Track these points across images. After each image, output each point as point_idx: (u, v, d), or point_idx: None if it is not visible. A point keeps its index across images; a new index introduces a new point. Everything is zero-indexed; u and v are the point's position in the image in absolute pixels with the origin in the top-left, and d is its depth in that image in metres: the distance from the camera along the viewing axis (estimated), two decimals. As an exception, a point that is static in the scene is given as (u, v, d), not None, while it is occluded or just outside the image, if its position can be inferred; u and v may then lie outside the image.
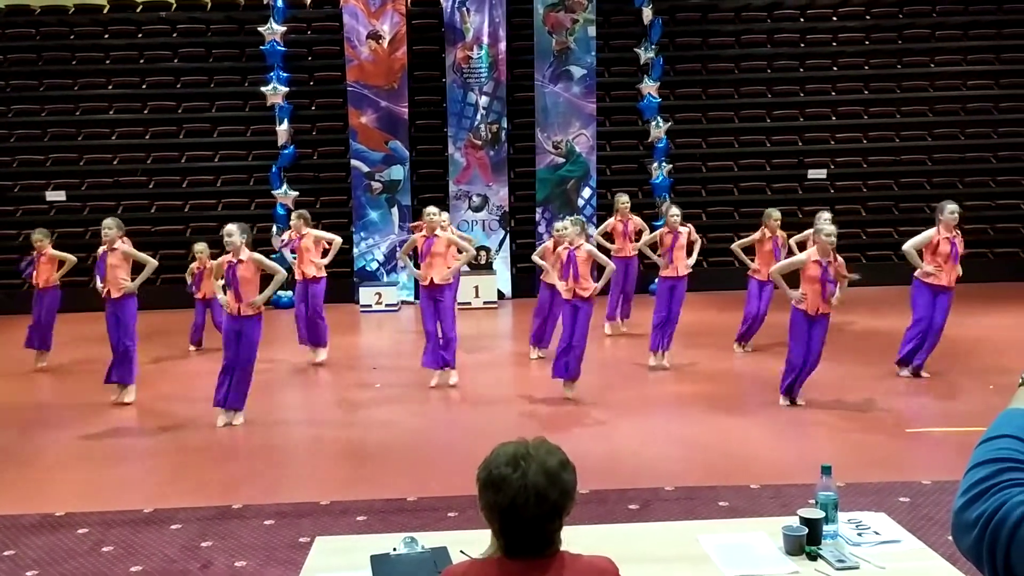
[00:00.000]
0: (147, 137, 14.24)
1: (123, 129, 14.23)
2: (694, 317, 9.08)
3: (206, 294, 9.95)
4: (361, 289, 13.21)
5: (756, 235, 9.55)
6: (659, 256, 8.94)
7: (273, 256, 13.19)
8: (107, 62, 14.30)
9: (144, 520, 5.21)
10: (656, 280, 9.17)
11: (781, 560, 2.71)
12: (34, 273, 9.55)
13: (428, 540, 2.85)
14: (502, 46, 13.72)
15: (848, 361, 8.73)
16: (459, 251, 8.72)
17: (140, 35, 14.36)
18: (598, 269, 7.78)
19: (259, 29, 13.42)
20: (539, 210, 14.00)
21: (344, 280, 13.79)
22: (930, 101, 14.46)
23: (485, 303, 12.91)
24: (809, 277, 7.06)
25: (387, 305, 12.98)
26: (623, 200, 10.34)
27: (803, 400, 7.36)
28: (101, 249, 7.83)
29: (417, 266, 8.34)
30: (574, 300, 7.56)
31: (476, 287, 12.87)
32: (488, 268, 13.68)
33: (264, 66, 13.60)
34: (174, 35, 14.36)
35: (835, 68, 14.50)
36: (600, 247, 9.23)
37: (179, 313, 10.61)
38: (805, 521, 2.75)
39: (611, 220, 10.39)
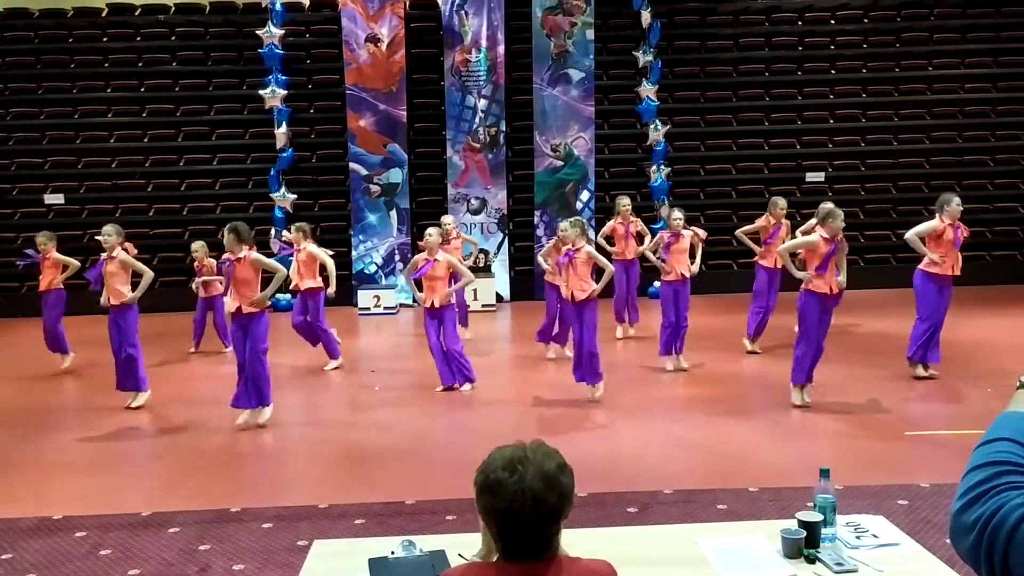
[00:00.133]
0: (145, 140, 14.24)
1: (121, 132, 14.24)
2: (693, 320, 9.07)
3: (206, 293, 9.99)
4: (359, 292, 13.20)
5: (761, 221, 9.54)
6: (659, 260, 8.91)
7: (273, 259, 13.22)
8: (106, 65, 14.31)
9: (142, 523, 5.20)
10: (657, 284, 9.16)
11: (779, 563, 2.71)
12: (39, 275, 9.47)
13: (426, 543, 2.84)
14: (500, 49, 13.74)
15: (847, 364, 8.73)
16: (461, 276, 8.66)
17: (138, 38, 14.37)
18: (598, 271, 7.78)
19: (257, 32, 13.43)
20: (537, 213, 14.01)
21: (342, 283, 13.77)
22: (928, 104, 14.49)
23: (484, 306, 12.91)
24: (819, 255, 7.07)
25: (385, 308, 12.98)
26: (624, 203, 10.32)
27: (808, 398, 7.35)
28: (104, 256, 7.84)
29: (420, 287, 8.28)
30: (576, 302, 7.58)
31: (475, 290, 12.85)
32: (487, 271, 13.67)
33: (262, 69, 13.61)
34: (172, 38, 14.38)
35: (833, 71, 14.52)
36: (600, 249, 9.22)
37: (178, 316, 10.61)
38: (803, 524, 2.74)
39: (612, 223, 10.38)
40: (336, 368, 9.36)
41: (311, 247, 9.31)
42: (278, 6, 13.51)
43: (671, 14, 14.24)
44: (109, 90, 14.28)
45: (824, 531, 2.77)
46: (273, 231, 13.43)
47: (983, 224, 13.87)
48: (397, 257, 13.82)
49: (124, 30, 14.34)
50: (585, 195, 13.98)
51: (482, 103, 13.77)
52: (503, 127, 13.91)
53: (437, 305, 8.07)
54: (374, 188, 13.84)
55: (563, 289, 7.74)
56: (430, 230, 8.22)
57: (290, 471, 6.40)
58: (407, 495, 5.54)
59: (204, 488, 5.85)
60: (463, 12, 13.68)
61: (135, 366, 7.87)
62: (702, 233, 9.10)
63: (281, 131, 13.58)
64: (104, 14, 14.31)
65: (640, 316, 10.68)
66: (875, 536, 2.88)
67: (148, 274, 7.83)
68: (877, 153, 14.44)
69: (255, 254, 7.10)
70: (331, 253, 9.66)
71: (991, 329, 10.22)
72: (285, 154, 13.69)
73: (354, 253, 13.90)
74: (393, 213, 13.86)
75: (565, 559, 1.97)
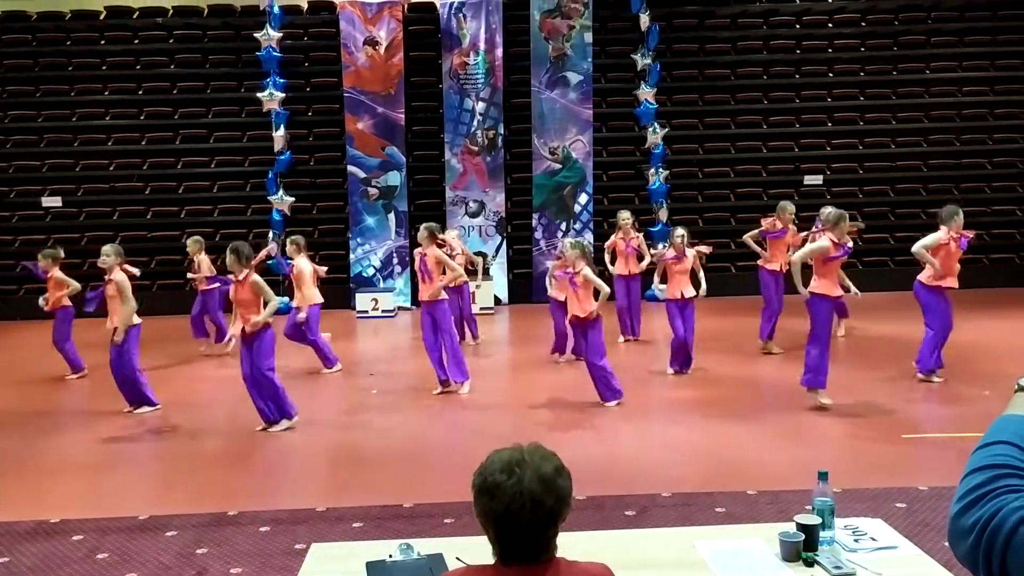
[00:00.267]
0: (143, 143, 14.24)
1: (119, 135, 14.25)
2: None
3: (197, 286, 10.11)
4: (357, 295, 13.20)
5: (767, 224, 9.52)
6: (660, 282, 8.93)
7: (270, 262, 13.23)
8: (103, 68, 14.31)
9: (139, 527, 5.19)
10: (653, 287, 9.15)
11: (778, 566, 2.70)
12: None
13: (424, 547, 2.84)
14: (499, 52, 13.75)
15: (845, 366, 8.73)
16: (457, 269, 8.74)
17: (136, 41, 14.37)
18: (595, 292, 7.79)
19: (255, 35, 13.43)
20: (535, 216, 14.01)
21: (340, 286, 13.79)
22: (926, 107, 14.51)
23: (482, 309, 12.89)
24: (828, 259, 7.10)
25: (383, 311, 12.98)
26: (624, 216, 10.24)
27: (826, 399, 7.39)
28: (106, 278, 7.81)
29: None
30: (578, 322, 7.60)
31: (473, 293, 12.84)
32: (485, 274, 13.67)
33: (260, 72, 13.61)
34: (170, 41, 14.38)
35: (831, 74, 14.54)
36: (602, 264, 9.28)
37: (177, 319, 10.60)
38: (802, 527, 2.74)
39: (613, 238, 10.37)
40: (336, 371, 9.36)
41: (300, 262, 9.29)
42: (276, 9, 13.51)
43: (669, 17, 14.25)
44: (107, 93, 14.28)
45: (822, 534, 2.77)
46: (271, 234, 13.42)
47: (981, 227, 13.85)
48: (395, 260, 13.82)
49: (122, 33, 14.34)
50: (583, 198, 13.99)
51: (480, 106, 13.78)
52: (501, 130, 13.92)
53: (425, 298, 8.13)
54: (372, 191, 13.84)
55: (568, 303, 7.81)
56: (422, 225, 8.32)
57: (288, 474, 6.39)
58: (405, 498, 5.53)
59: (201, 491, 5.84)
60: (461, 15, 13.69)
61: (140, 390, 7.84)
62: (705, 249, 8.92)
63: (279, 134, 13.58)
64: (102, 17, 14.32)
65: (643, 320, 10.70)
66: (873, 539, 2.88)
67: (130, 306, 7.62)
68: (875, 156, 14.46)
69: (255, 276, 6.98)
70: (324, 270, 9.64)
71: (989, 332, 10.22)
72: (283, 157, 13.68)
73: (352, 256, 13.90)
74: (391, 216, 13.87)
75: (563, 562, 1.97)
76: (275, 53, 13.48)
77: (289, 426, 7.23)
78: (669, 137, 13.95)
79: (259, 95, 13.47)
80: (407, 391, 8.45)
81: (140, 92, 14.31)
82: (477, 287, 11.06)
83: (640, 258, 10.24)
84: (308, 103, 14.33)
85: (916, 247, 7.95)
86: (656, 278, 9.20)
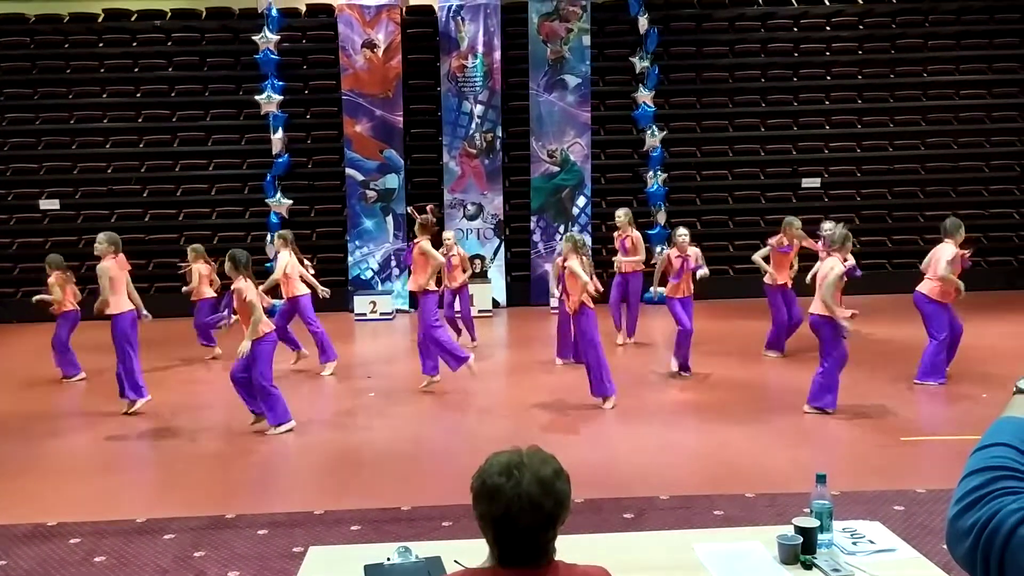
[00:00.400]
0: (141, 145, 14.23)
1: (117, 138, 14.24)
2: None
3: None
4: (356, 298, 13.20)
5: (773, 241, 9.50)
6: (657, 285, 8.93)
7: (267, 265, 13.22)
8: (102, 71, 14.30)
9: (137, 530, 5.18)
10: (656, 290, 9.12)
11: (776, 569, 2.70)
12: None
13: (422, 550, 2.84)
14: (497, 55, 13.75)
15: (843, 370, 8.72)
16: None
17: (135, 44, 14.36)
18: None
19: (253, 38, 13.43)
20: (534, 219, 14.02)
21: (339, 289, 13.78)
22: (923, 111, 14.53)
23: (480, 311, 12.89)
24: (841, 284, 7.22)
25: (382, 314, 12.97)
26: (619, 215, 10.34)
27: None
28: None
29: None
30: (571, 314, 7.67)
31: (471, 295, 12.83)
32: (483, 276, 13.68)
33: (259, 75, 13.61)
34: (169, 44, 14.37)
35: (829, 77, 14.56)
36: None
37: (175, 322, 10.59)
38: (800, 530, 2.74)
39: (616, 235, 10.48)
40: (330, 372, 9.38)
41: (282, 256, 9.32)
42: (274, 12, 13.51)
43: (667, 20, 14.26)
44: (105, 95, 14.27)
45: (820, 537, 2.77)
46: (269, 236, 13.42)
47: (979, 230, 13.88)
48: (393, 263, 13.82)
49: (120, 35, 14.33)
50: (581, 201, 13.99)
51: (478, 109, 13.79)
52: (499, 133, 13.92)
53: (412, 289, 8.31)
54: (370, 194, 13.83)
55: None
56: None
57: (285, 477, 6.39)
58: (403, 501, 5.53)
59: (199, 494, 5.83)
60: (459, 18, 13.70)
61: (129, 376, 7.89)
62: (703, 271, 8.88)
63: (277, 137, 13.58)
64: (100, 19, 14.30)
65: (641, 322, 10.70)
66: (871, 542, 2.88)
67: (103, 296, 7.73)
68: (872, 159, 14.47)
69: (248, 294, 6.94)
70: (309, 264, 9.77)
71: (987, 335, 10.22)
72: (281, 160, 13.68)
73: (350, 259, 13.89)
74: (389, 219, 13.86)
75: (562, 565, 1.97)
76: (273, 56, 13.48)
77: (288, 429, 7.22)
78: (667, 140, 13.95)
79: (257, 98, 13.47)
80: (405, 394, 8.45)
81: (138, 95, 14.30)
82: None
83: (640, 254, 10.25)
84: (306, 106, 14.32)
85: (942, 271, 7.89)
86: (655, 279, 9.20)
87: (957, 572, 2.59)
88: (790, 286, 9.58)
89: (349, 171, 13.82)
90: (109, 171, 14.18)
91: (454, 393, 8.44)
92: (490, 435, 6.85)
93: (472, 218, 13.93)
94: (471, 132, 13.83)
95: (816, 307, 7.20)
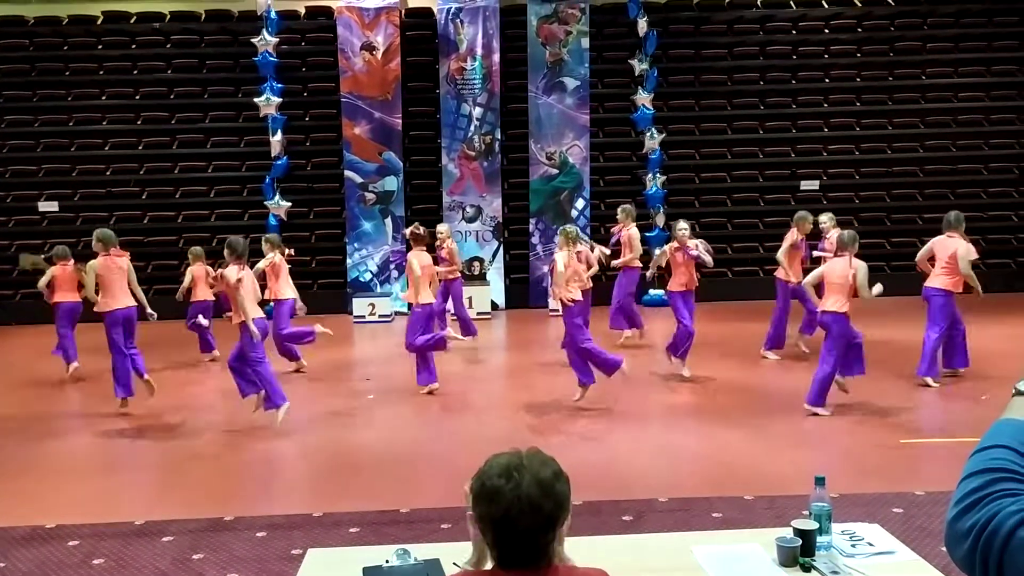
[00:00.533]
0: (140, 148, 14.23)
1: (116, 140, 14.23)
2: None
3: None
4: (354, 300, 13.19)
5: (791, 238, 9.45)
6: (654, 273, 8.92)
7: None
8: (100, 73, 14.30)
9: (135, 532, 5.18)
10: (655, 293, 9.13)
11: (775, 572, 2.70)
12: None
13: (421, 552, 2.84)
14: (496, 57, 13.76)
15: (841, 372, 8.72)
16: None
17: (134, 46, 14.36)
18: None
19: (252, 40, 13.42)
20: (532, 221, 14.02)
21: (337, 291, 13.79)
22: (921, 113, 14.54)
23: (479, 314, 12.89)
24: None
25: (380, 316, 12.97)
26: (620, 210, 10.42)
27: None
28: None
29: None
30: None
31: (470, 297, 12.84)
32: (482, 279, 13.68)
33: (258, 77, 13.60)
34: (168, 46, 14.38)
35: (827, 80, 14.57)
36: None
37: (174, 324, 10.57)
38: (799, 532, 2.74)
39: None
40: (298, 371, 9.54)
41: (268, 256, 9.34)
42: (273, 14, 13.51)
43: (665, 23, 14.28)
44: (104, 98, 14.27)
45: (819, 539, 2.77)
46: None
47: (977, 232, 13.87)
48: (392, 265, 13.81)
49: (119, 38, 14.33)
50: (580, 203, 14.00)
51: (477, 111, 13.79)
52: (498, 135, 13.93)
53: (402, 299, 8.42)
54: (369, 196, 13.83)
55: None
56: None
57: (284, 480, 6.38)
58: (402, 503, 5.52)
59: (198, 496, 5.83)
60: (458, 20, 13.71)
61: (113, 372, 7.98)
62: (708, 260, 8.90)
63: (276, 139, 13.57)
64: (99, 22, 14.30)
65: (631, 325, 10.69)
66: (870, 544, 2.88)
67: (87, 288, 8.10)
68: (871, 162, 14.49)
69: (225, 271, 7.22)
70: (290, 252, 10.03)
71: (986, 337, 10.22)
72: (280, 162, 13.68)
73: (349, 261, 13.89)
74: (388, 221, 13.86)
75: (561, 568, 1.96)
76: (272, 58, 13.47)
77: (284, 411, 7.32)
78: (665, 142, 13.96)
79: (256, 100, 13.46)
80: (404, 396, 8.44)
81: (137, 97, 14.30)
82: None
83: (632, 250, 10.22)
84: (305, 108, 14.33)
85: (965, 268, 8.01)
86: (651, 268, 9.17)
87: (956, 574, 2.59)
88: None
89: (348, 173, 13.82)
90: (108, 173, 14.18)
91: (453, 395, 8.44)
92: (489, 437, 6.84)
93: (471, 220, 13.93)
94: (470, 134, 13.83)
95: (835, 305, 7.23)
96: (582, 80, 13.89)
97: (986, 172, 14.53)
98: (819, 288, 7.63)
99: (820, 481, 2.87)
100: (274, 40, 13.49)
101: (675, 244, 8.65)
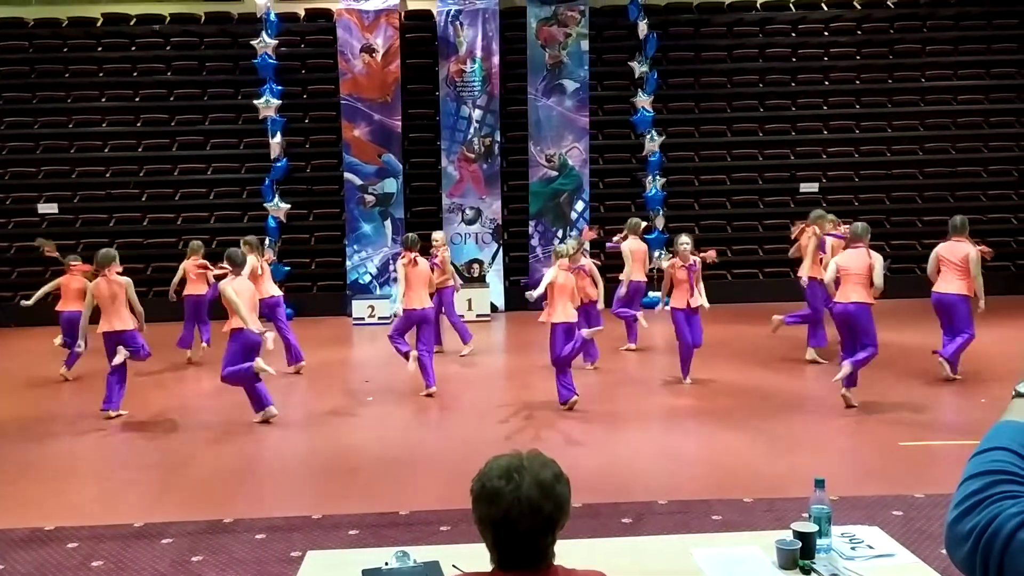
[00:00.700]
0: (140, 150, 14.23)
1: (116, 142, 14.23)
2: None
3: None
4: (354, 302, 13.19)
5: (811, 240, 9.46)
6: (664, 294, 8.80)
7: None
8: (100, 75, 14.31)
9: (134, 534, 5.17)
10: (660, 305, 9.00)
11: (774, 574, 2.70)
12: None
13: (420, 554, 2.83)
14: (495, 60, 13.77)
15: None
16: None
17: (133, 48, 14.37)
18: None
19: (252, 43, 13.42)
20: (532, 223, 14.02)
21: (337, 293, 13.79)
22: (921, 115, 14.55)
23: (478, 316, 12.90)
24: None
25: (380, 318, 12.95)
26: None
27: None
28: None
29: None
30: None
31: (469, 300, 12.85)
32: (481, 281, 13.68)
33: (257, 79, 13.61)
34: (167, 48, 14.38)
35: (827, 82, 14.59)
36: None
37: (173, 326, 10.57)
38: (798, 535, 2.74)
39: None
40: (298, 370, 9.59)
41: (249, 259, 9.30)
42: (273, 16, 13.52)
43: (665, 25, 14.28)
44: (104, 99, 14.27)
45: (819, 542, 2.77)
46: (267, 240, 13.42)
47: (976, 235, 13.81)
48: (391, 267, 13.80)
49: (119, 40, 14.34)
50: (580, 205, 14.00)
51: (477, 113, 13.80)
52: (498, 137, 13.93)
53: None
54: (369, 198, 13.84)
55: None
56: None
57: (283, 482, 6.37)
58: (401, 505, 5.52)
59: (197, 499, 5.82)
60: (458, 23, 13.71)
61: (108, 386, 7.95)
62: (711, 255, 8.89)
63: (275, 141, 13.57)
64: (99, 24, 14.31)
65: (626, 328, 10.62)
66: (870, 547, 2.87)
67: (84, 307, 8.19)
68: (871, 164, 14.49)
69: (223, 285, 7.46)
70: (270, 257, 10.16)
71: (986, 340, 10.20)
72: (279, 164, 13.68)
73: (348, 263, 13.89)
74: (388, 223, 13.86)
75: (561, 570, 1.96)
76: (271, 60, 13.48)
77: (264, 417, 7.48)
78: (665, 145, 13.96)
79: (256, 102, 13.46)
80: (403, 398, 8.44)
81: (137, 99, 14.31)
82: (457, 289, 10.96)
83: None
84: (305, 110, 14.33)
85: (976, 272, 8.22)
86: (662, 292, 8.86)
87: (956, 577, 2.58)
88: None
89: (347, 175, 13.83)
90: (108, 175, 14.18)
91: (453, 397, 8.44)
92: (489, 439, 6.84)
93: (470, 222, 13.93)
94: (469, 136, 13.84)
95: (860, 295, 7.31)
96: (582, 82, 13.89)
97: (985, 175, 14.54)
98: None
99: (820, 484, 2.87)
100: (273, 42, 13.49)
101: (677, 261, 8.55)
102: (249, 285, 7.77)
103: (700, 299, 8.52)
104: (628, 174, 14.38)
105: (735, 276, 13.98)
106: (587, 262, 8.90)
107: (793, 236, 9.89)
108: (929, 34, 14.65)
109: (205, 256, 10.50)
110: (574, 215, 13.96)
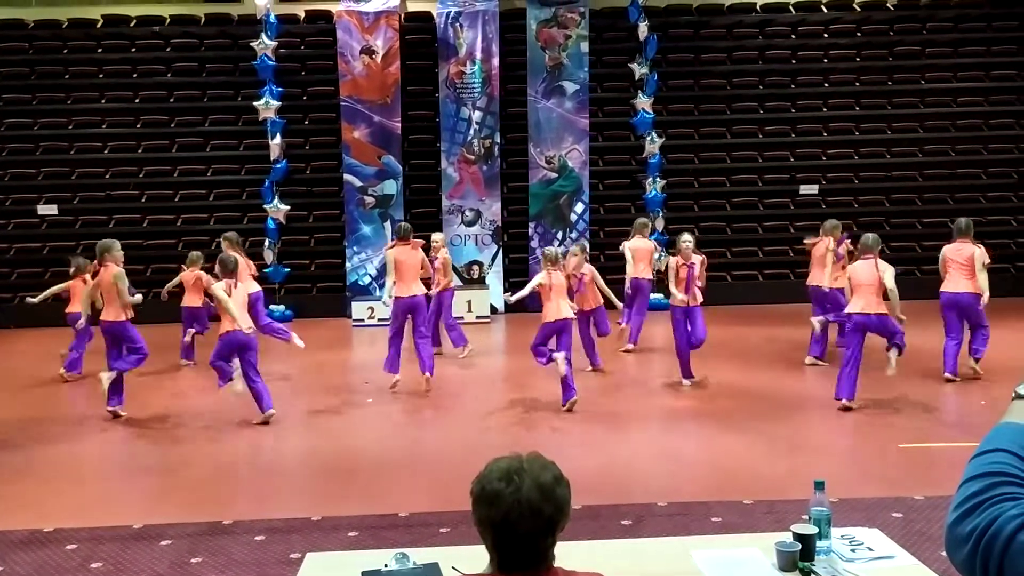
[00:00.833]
0: (140, 151, 14.23)
1: (116, 143, 14.23)
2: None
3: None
4: (354, 304, 13.19)
5: (827, 244, 9.45)
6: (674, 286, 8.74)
7: (267, 270, 13.22)
8: (100, 76, 14.31)
9: (134, 536, 5.17)
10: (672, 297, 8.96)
11: (774, 576, 2.70)
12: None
13: (420, 556, 2.83)
14: (495, 61, 13.77)
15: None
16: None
17: (133, 49, 14.37)
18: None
19: (252, 44, 13.42)
20: (532, 225, 14.02)
21: (337, 294, 13.78)
22: (921, 118, 14.56)
23: (478, 317, 12.90)
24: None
25: (380, 320, 12.94)
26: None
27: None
28: None
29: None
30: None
31: (469, 301, 12.85)
32: (481, 283, 13.67)
33: (257, 81, 13.61)
34: (167, 49, 14.39)
35: (826, 84, 14.59)
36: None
37: (172, 327, 10.57)
38: (798, 537, 2.74)
39: None
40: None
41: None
42: (272, 18, 13.52)
43: (665, 27, 14.29)
44: (103, 101, 14.27)
45: (819, 544, 2.77)
46: (267, 242, 13.43)
47: (976, 237, 13.86)
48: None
49: (119, 41, 14.34)
50: (579, 207, 14.00)
51: (477, 115, 13.80)
52: (497, 139, 13.93)
53: None
54: (368, 199, 13.84)
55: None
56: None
57: (282, 483, 6.37)
58: (400, 507, 5.52)
59: (196, 500, 5.82)
60: (458, 24, 13.72)
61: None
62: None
63: (275, 142, 13.57)
64: (99, 25, 14.31)
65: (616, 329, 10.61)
66: (870, 549, 2.87)
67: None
68: (870, 166, 14.50)
69: (216, 292, 7.54)
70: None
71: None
72: (279, 165, 13.68)
73: (348, 265, 13.89)
74: (387, 224, 13.85)
75: (561, 572, 1.96)
76: (271, 62, 13.48)
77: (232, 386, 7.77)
78: (665, 147, 13.96)
79: (255, 104, 13.47)
80: (403, 400, 8.44)
81: (137, 100, 14.31)
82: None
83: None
84: (304, 112, 14.33)
85: (982, 272, 8.45)
86: (672, 288, 8.77)
87: (956, 579, 2.58)
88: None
89: (347, 177, 13.83)
90: (107, 176, 14.18)
91: (452, 399, 8.43)
92: (489, 441, 6.84)
93: (470, 224, 13.93)
94: (469, 138, 13.84)
95: (870, 307, 7.45)
96: (581, 84, 13.90)
97: (985, 177, 14.54)
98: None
99: (819, 485, 2.87)
100: (273, 44, 13.50)
101: (679, 259, 8.55)
102: (240, 288, 7.79)
103: (688, 297, 8.51)
104: (628, 176, 14.38)
105: (735, 278, 13.98)
106: (588, 269, 8.91)
107: (809, 247, 9.82)
108: (929, 36, 14.66)
109: (205, 258, 10.50)
110: (574, 217, 13.96)
